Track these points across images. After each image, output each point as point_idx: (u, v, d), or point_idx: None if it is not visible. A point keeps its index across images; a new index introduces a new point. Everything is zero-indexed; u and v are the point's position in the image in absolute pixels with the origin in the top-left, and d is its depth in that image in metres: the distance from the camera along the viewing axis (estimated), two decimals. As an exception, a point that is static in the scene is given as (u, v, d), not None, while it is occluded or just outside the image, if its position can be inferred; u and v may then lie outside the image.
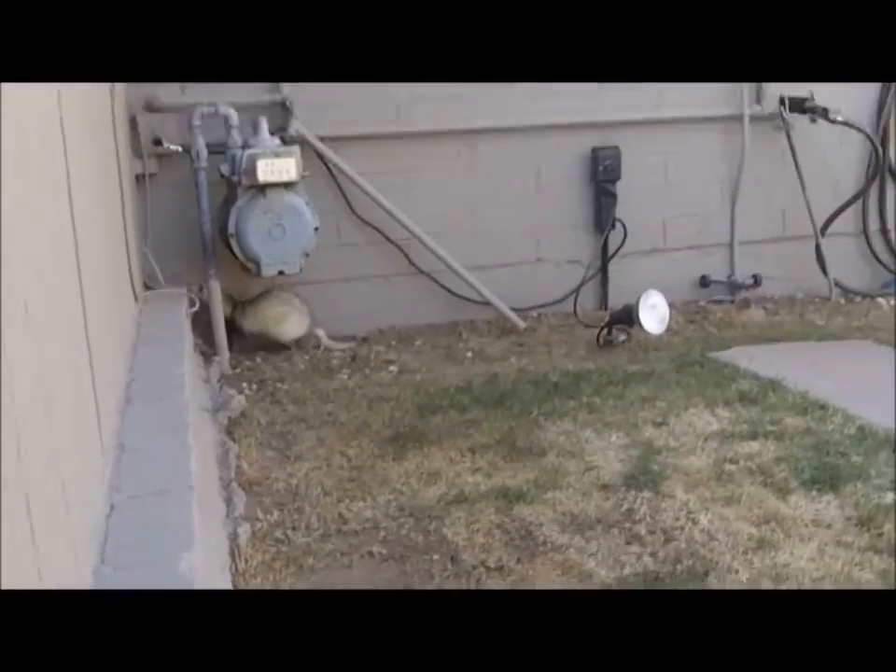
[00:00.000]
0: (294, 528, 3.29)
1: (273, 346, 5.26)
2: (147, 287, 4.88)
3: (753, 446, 3.78)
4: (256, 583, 2.90)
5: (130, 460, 2.80)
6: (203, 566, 2.33)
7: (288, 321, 5.28)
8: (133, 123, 5.02)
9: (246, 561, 3.03)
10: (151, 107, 5.12)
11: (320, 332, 5.34)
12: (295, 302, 5.32)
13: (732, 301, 6.02)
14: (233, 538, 3.16)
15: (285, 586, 2.91)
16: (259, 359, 5.20)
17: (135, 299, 4.42)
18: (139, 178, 5.10)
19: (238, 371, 5.04)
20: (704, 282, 6.04)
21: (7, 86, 1.55)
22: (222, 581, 2.84)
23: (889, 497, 3.32)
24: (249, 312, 5.27)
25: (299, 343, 5.32)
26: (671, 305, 5.38)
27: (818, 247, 6.05)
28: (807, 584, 2.84)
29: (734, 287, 6.06)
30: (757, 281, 6.04)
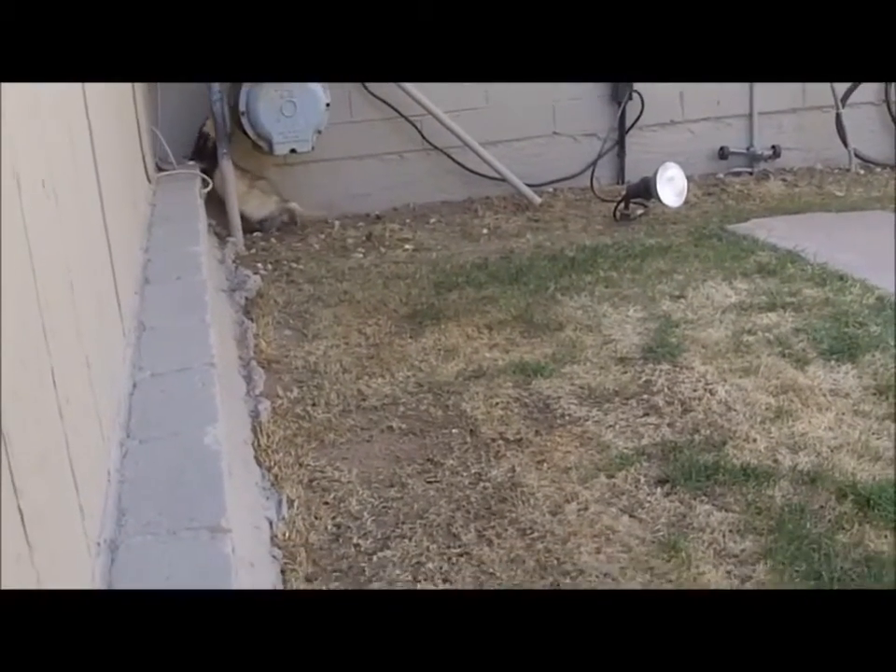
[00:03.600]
0: (314, 404, 3.32)
1: (245, 224, 5.17)
2: (159, 169, 4.84)
3: (771, 317, 3.78)
4: (278, 458, 2.94)
5: (150, 339, 2.81)
6: (227, 440, 2.36)
7: (250, 200, 5.22)
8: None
9: (268, 436, 3.06)
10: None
11: (293, 205, 5.32)
12: (260, 184, 5.28)
13: (750, 173, 5.94)
14: (255, 414, 3.19)
15: (307, 461, 2.96)
16: (273, 240, 5.19)
17: (148, 180, 4.39)
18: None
19: (253, 251, 5.03)
20: (722, 154, 5.95)
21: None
22: (245, 456, 2.89)
23: (907, 365, 3.33)
24: None
25: (269, 221, 5.28)
26: (689, 178, 5.31)
27: (838, 117, 5.95)
28: (825, 453, 2.87)
29: (752, 158, 5.97)
30: (776, 152, 5.95)
